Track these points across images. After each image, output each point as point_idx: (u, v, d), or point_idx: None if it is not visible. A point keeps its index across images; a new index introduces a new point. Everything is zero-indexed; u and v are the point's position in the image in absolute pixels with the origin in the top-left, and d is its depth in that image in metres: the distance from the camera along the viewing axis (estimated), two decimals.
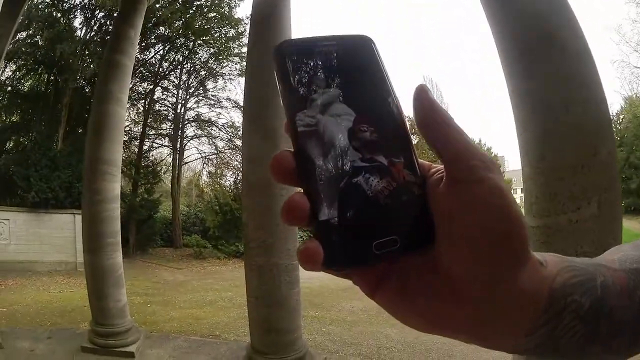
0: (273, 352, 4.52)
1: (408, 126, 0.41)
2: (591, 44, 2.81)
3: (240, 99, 22.27)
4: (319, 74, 0.39)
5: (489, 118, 78.18)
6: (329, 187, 0.36)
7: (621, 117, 31.25)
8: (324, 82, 0.38)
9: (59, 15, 19.37)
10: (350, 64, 0.40)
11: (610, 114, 3.10)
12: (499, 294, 0.36)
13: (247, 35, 6.18)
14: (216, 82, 24.99)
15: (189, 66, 24.63)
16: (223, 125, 25.22)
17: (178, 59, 24.19)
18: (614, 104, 31.69)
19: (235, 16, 22.67)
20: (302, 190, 0.37)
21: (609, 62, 30.42)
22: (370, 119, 0.39)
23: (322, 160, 0.37)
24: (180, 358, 6.28)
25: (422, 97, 0.39)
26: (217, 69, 24.61)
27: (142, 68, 22.49)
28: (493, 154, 31.44)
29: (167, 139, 25.28)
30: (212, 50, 23.93)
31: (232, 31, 23.08)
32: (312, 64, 0.39)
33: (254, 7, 5.03)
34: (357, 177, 0.37)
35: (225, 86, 25.01)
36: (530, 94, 2.80)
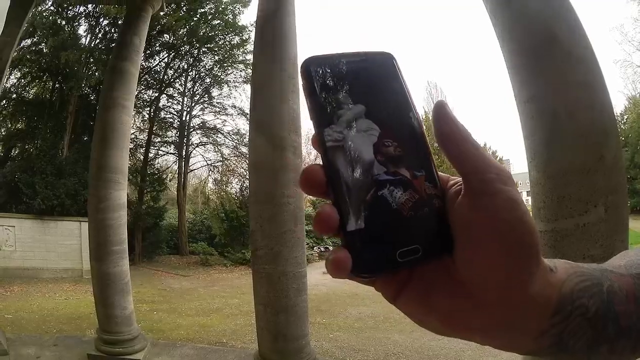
0: (281, 359, 4.51)
1: (428, 140, 0.42)
2: (595, 46, 2.81)
3: (246, 106, 22.44)
4: (345, 89, 0.40)
5: (494, 121, 78.32)
6: (357, 199, 0.38)
7: (625, 117, 31.23)
8: (350, 98, 0.40)
9: (63, 23, 19.63)
10: (374, 80, 0.42)
11: (615, 115, 3.09)
12: (511, 298, 0.38)
13: (252, 43, 6.20)
14: (221, 90, 25.25)
15: (193, 73, 24.88)
16: (228, 133, 25.44)
17: (183, 67, 24.46)
18: (618, 104, 31.73)
19: (239, 23, 22.92)
20: (331, 202, 0.39)
21: (611, 62, 30.46)
22: (393, 134, 0.41)
23: (350, 173, 0.38)
24: None
25: (442, 112, 0.41)
26: (222, 76, 24.84)
27: (147, 76, 22.71)
28: (498, 157, 31.43)
29: (172, 146, 25.48)
30: (216, 57, 24.17)
31: (237, 38, 23.32)
32: (338, 80, 0.41)
33: (259, 14, 5.05)
34: (382, 190, 0.39)
35: (231, 93, 25.28)
36: (536, 99, 2.80)
